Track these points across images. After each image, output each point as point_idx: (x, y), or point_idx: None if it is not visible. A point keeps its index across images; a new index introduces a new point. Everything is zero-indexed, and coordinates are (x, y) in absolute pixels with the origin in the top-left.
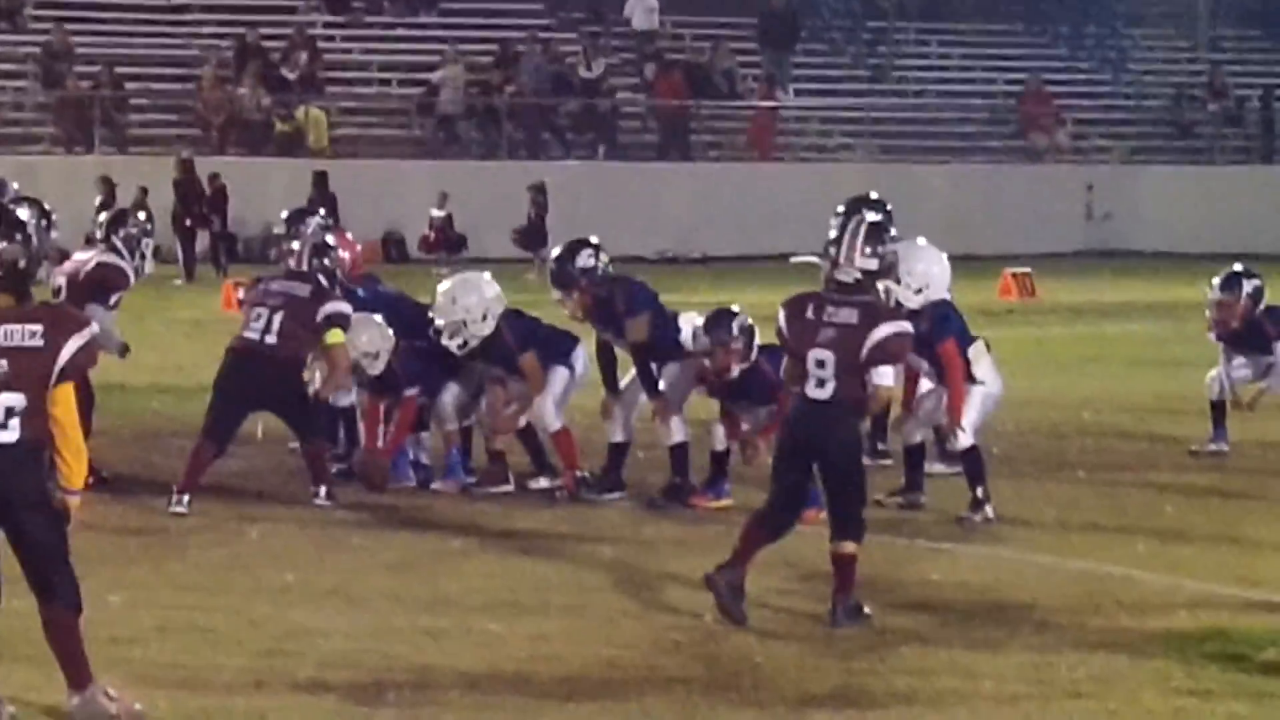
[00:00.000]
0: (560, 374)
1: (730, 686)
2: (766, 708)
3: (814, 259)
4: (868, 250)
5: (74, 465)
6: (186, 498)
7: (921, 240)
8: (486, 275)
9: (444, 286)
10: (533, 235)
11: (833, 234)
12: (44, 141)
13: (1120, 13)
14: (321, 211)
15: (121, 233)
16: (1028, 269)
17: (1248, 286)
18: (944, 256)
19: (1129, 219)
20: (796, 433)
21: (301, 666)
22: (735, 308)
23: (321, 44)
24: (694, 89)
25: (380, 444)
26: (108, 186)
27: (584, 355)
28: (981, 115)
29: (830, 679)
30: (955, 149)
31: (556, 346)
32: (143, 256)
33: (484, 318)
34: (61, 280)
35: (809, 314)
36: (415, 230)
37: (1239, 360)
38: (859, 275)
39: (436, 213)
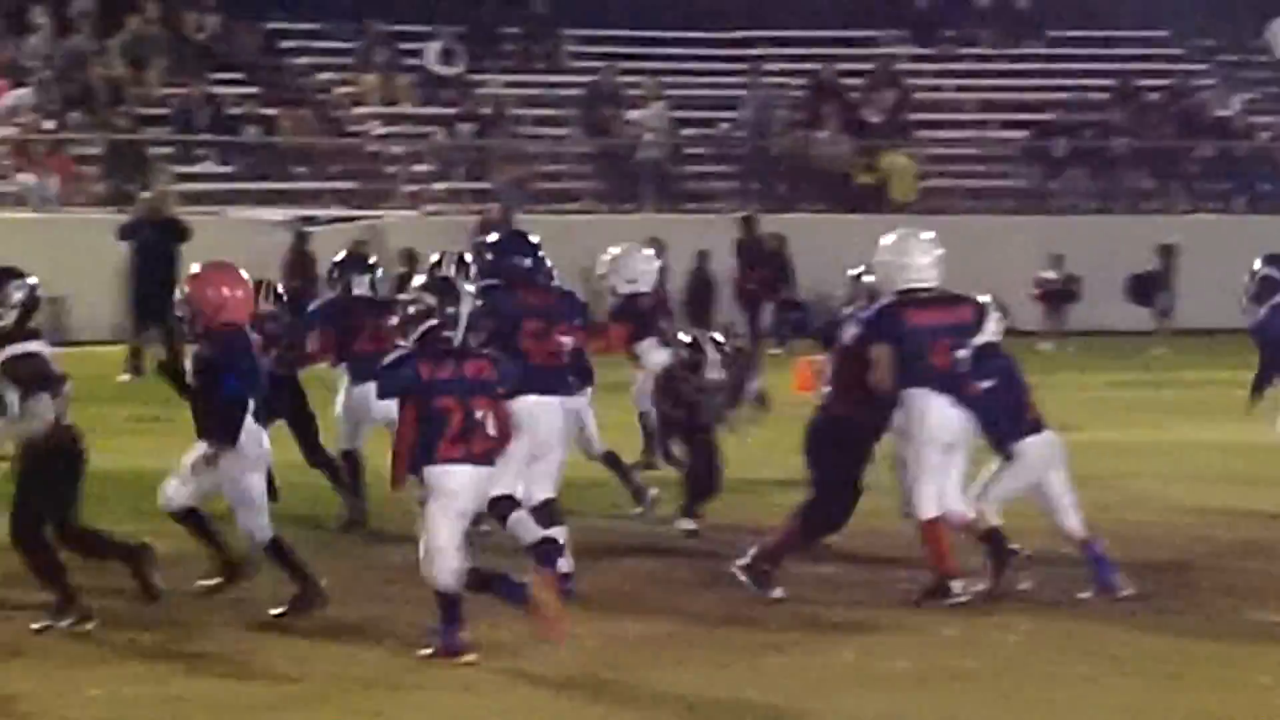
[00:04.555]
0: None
1: None
2: None
3: None
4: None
5: None
6: None
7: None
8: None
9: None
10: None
11: None
12: (584, 198)
13: None
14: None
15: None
16: None
17: None
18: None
19: None
20: None
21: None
22: None
23: (908, 80)
24: None
25: None
26: (659, 244)
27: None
28: None
29: None
30: None
31: None
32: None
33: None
34: None
35: None
36: (1017, 296)
37: None
38: None
39: (1048, 275)
